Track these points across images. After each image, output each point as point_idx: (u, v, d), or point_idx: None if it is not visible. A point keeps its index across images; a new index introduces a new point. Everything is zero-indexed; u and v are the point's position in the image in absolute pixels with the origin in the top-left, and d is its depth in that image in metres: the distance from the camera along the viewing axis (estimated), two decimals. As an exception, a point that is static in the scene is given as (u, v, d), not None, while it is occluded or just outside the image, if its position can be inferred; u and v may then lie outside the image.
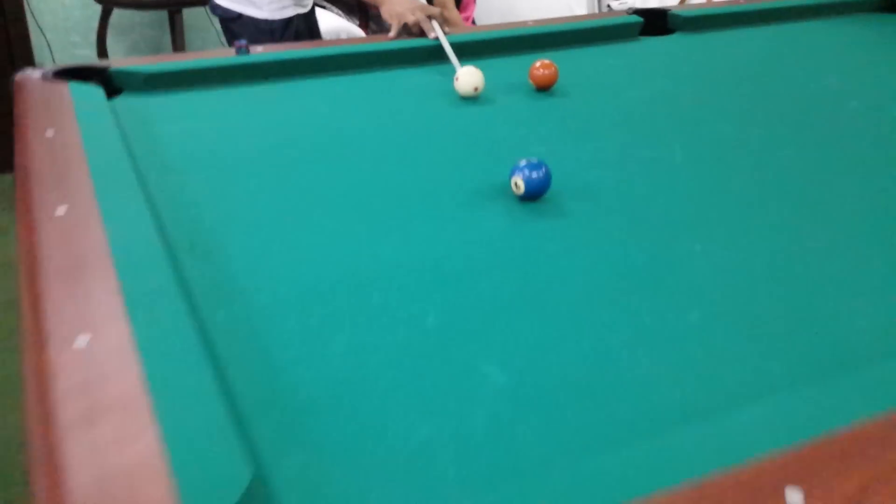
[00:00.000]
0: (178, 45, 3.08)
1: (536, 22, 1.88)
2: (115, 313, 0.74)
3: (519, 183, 1.02)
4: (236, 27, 2.24)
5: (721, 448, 0.58)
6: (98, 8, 2.93)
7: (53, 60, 3.04)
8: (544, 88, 1.50)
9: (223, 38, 2.71)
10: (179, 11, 2.73)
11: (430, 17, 1.75)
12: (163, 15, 3.10)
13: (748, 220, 1.02)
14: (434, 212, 1.03)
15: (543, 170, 1.02)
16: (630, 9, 1.98)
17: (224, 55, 1.62)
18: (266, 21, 2.21)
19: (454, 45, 1.64)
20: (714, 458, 0.56)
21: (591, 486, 0.55)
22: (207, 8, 2.39)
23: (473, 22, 3.16)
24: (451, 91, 1.48)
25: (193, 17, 2.98)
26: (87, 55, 3.04)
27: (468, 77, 1.44)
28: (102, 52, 2.88)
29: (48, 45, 2.98)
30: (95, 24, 2.98)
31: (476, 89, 1.44)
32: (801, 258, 0.92)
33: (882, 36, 1.99)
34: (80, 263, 0.82)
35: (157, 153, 1.19)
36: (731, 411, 0.63)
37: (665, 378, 0.70)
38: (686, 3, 3.02)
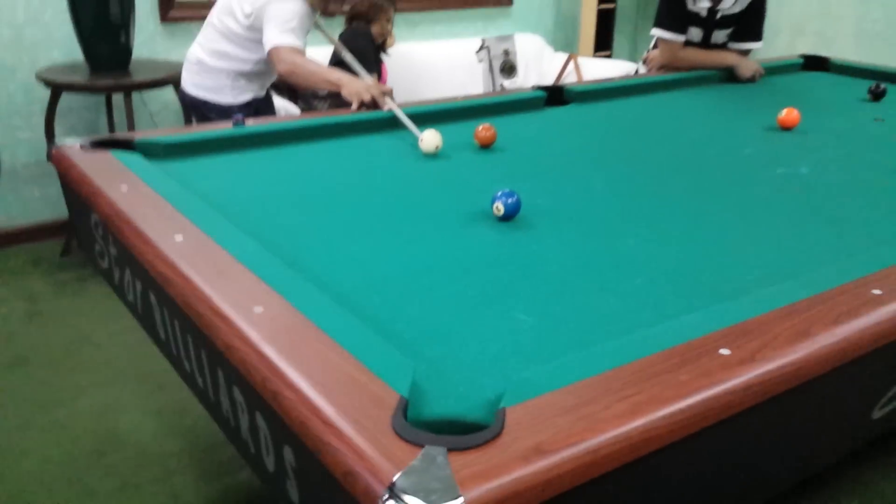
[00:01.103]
0: (113, 126, 3.34)
1: (465, 97, 2.34)
2: (268, 292, 1.08)
3: (500, 207, 1.43)
4: (204, 110, 2.58)
5: (676, 336, 0.99)
6: (40, 94, 3.16)
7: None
8: (486, 146, 1.93)
9: (152, 119, 3.02)
10: (129, 95, 3.01)
11: (383, 94, 2.16)
12: (99, 99, 3.36)
13: (655, 223, 1.47)
14: (441, 230, 1.43)
15: (516, 197, 1.44)
16: (534, 86, 2.47)
17: (222, 128, 1.96)
18: (229, 105, 2.57)
19: (407, 117, 2.06)
20: (670, 341, 0.97)
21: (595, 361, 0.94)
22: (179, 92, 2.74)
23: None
24: (414, 150, 1.89)
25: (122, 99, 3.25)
26: (29, 137, 3.24)
27: (431, 138, 1.85)
28: (50, 134, 3.10)
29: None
30: (36, 107, 3.20)
31: (437, 147, 1.86)
32: (691, 243, 1.37)
33: (724, 100, 2.58)
34: (221, 269, 1.15)
35: (206, 200, 1.51)
36: (673, 320, 1.04)
37: (625, 311, 1.12)
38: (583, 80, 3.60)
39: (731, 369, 0.91)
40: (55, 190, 3.39)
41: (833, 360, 1.00)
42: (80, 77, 3.02)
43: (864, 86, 2.63)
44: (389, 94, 2.17)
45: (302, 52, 2.44)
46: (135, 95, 3.20)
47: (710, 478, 1.00)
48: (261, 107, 2.70)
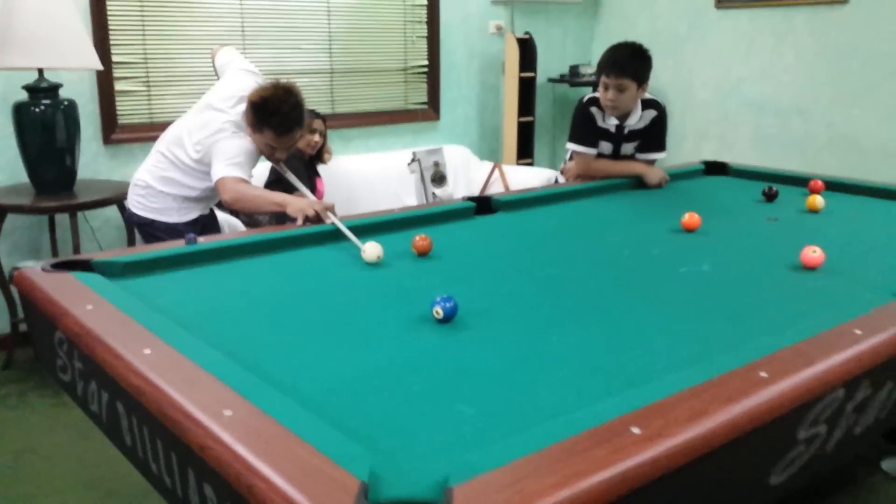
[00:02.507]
0: (56, 243, 3.42)
1: (401, 209, 2.53)
2: (235, 397, 1.20)
3: (439, 311, 1.60)
4: (150, 229, 2.72)
5: (595, 418, 1.15)
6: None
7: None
8: (423, 254, 2.11)
9: (94, 235, 3.12)
10: (74, 215, 3.11)
11: (325, 209, 2.34)
12: (43, 218, 3.45)
13: (576, 320, 1.65)
14: (387, 334, 1.58)
15: (453, 301, 1.61)
16: (464, 196, 2.69)
17: (174, 246, 2.09)
18: (176, 224, 2.71)
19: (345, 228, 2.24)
20: (590, 422, 1.13)
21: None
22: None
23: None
24: (357, 260, 2.05)
25: (67, 219, 3.35)
26: (-32, 258, 3.30)
27: (373, 249, 2.02)
28: (-8, 253, 3.18)
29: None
30: (-25, 228, 3.28)
31: (378, 257, 2.03)
32: (607, 337, 1.55)
33: (635, 205, 2.84)
34: (190, 379, 1.27)
35: (167, 314, 1.63)
36: (593, 405, 1.21)
37: (552, 399, 1.28)
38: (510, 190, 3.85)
39: (640, 445, 1.08)
40: (-5, 307, 3.43)
41: (727, 433, 1.17)
42: (26, 199, 3.12)
43: (759, 188, 2.93)
44: (331, 209, 2.35)
45: (247, 182, 2.62)
46: (81, 216, 3.31)
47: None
48: (207, 223, 2.85)
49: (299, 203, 2.39)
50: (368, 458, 1.04)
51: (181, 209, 2.78)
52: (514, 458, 1.04)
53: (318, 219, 2.33)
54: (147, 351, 1.38)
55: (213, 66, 3.10)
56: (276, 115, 2.57)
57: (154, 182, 2.77)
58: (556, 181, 3.44)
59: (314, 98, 4.35)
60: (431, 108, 4.86)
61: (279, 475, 0.99)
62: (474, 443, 1.13)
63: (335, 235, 2.26)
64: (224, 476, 1.05)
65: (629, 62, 2.94)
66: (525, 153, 5.02)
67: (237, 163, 2.59)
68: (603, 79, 2.97)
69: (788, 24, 4.55)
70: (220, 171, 2.57)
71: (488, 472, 1.00)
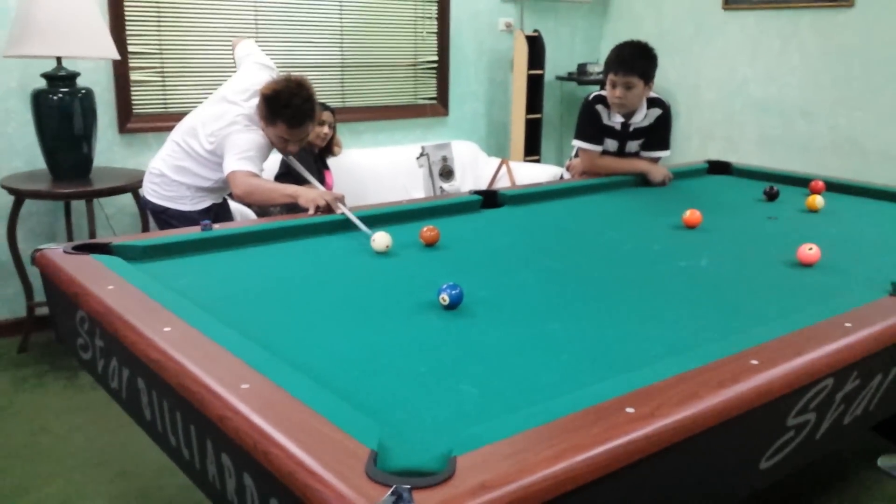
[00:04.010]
0: (71, 229, 3.50)
1: (409, 201, 2.60)
2: (251, 372, 1.27)
3: (445, 297, 1.66)
4: (165, 217, 2.79)
5: (592, 399, 1.22)
6: (1, 200, 3.31)
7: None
8: (431, 245, 2.17)
9: (108, 222, 3.19)
10: (91, 201, 3.19)
11: (336, 199, 2.40)
12: (58, 204, 3.52)
13: (577, 310, 1.72)
14: (395, 317, 1.64)
15: (459, 289, 1.68)
16: (471, 190, 2.76)
17: (190, 232, 2.16)
18: (189, 212, 2.78)
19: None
20: (587, 402, 1.20)
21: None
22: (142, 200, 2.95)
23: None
24: (366, 249, 2.12)
25: (82, 206, 3.42)
26: (-13, 241, 3.38)
27: (382, 238, 2.09)
28: (12, 239, 3.24)
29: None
30: (-3, 212, 3.36)
31: (387, 246, 2.09)
32: (606, 325, 1.62)
33: (638, 202, 2.90)
34: (209, 355, 1.34)
35: (185, 296, 1.70)
36: (590, 387, 1.27)
37: (552, 381, 1.34)
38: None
39: (634, 423, 1.14)
40: (12, 290, 3.52)
41: (717, 416, 1.23)
42: (43, 185, 3.20)
43: (761, 187, 2.99)
44: (342, 199, 2.41)
45: (258, 176, 2.69)
46: (96, 203, 3.38)
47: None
48: (219, 211, 2.92)
49: (310, 194, 2.46)
50: (377, 429, 1.11)
51: (194, 198, 2.85)
52: (515, 432, 1.10)
53: (328, 209, 2.40)
54: (167, 329, 1.44)
55: (234, 57, 3.18)
56: (289, 107, 2.64)
57: (168, 171, 2.84)
58: (562, 177, 3.50)
59: (325, 91, 4.42)
60: (440, 104, 4.92)
61: (294, 443, 1.05)
62: (477, 418, 1.20)
63: (345, 225, 2.32)
64: (241, 445, 1.12)
65: (637, 60, 3.00)
66: (532, 150, 5.08)
67: (248, 156, 2.65)
68: (611, 77, 3.03)
69: (794, 27, 4.60)
70: (231, 164, 2.64)
71: (490, 444, 1.07)
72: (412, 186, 4.23)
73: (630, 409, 1.18)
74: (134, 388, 1.53)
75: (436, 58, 4.88)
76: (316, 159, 3.80)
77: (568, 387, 1.32)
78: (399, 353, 1.46)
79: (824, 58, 4.50)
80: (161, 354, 1.36)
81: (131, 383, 1.54)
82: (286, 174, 3.69)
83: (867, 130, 4.37)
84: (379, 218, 2.39)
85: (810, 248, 2.04)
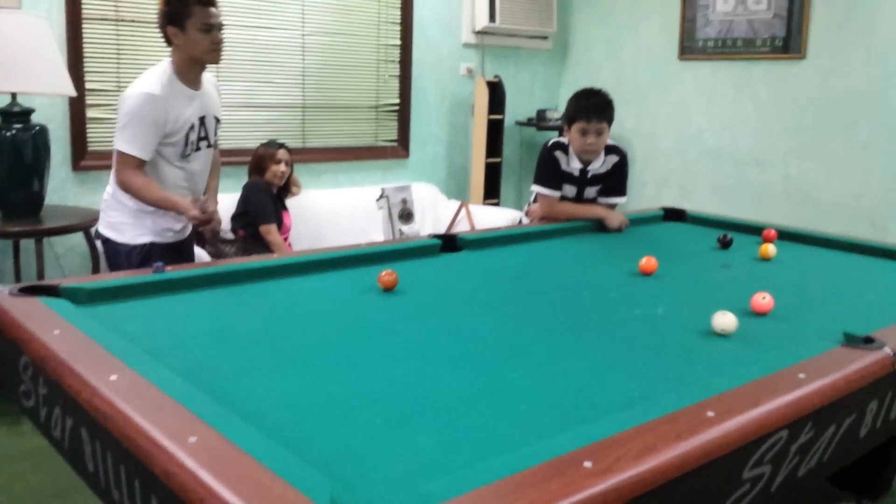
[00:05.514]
0: (19, 269, 3.41)
1: (368, 244, 2.58)
2: (200, 424, 1.23)
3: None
4: (109, 249, 2.69)
5: (550, 452, 1.20)
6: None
7: None
8: (389, 289, 2.15)
9: (58, 262, 3.12)
10: (40, 241, 3.11)
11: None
12: (6, 242, 3.43)
13: (536, 358, 1.71)
14: (350, 365, 1.61)
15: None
16: (430, 234, 2.75)
17: (141, 274, 2.11)
18: (128, 245, 2.68)
19: (310, 263, 2.28)
20: (545, 456, 1.18)
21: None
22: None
23: (290, 246, 3.82)
24: (323, 292, 2.09)
25: (32, 245, 3.34)
26: (-72, 280, 3.27)
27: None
28: (-46, 276, 3.15)
29: None
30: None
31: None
32: (565, 374, 1.61)
33: (595, 248, 2.93)
34: (156, 406, 1.29)
35: (134, 341, 1.65)
36: (549, 440, 1.26)
37: (510, 433, 1.32)
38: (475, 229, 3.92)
39: (591, 478, 1.13)
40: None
41: (675, 470, 1.22)
42: (-8, 223, 3.12)
43: (715, 235, 3.03)
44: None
45: (137, 162, 2.57)
46: (46, 242, 3.30)
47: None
48: (182, 249, 2.82)
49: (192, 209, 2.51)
50: (329, 485, 1.08)
51: (135, 225, 2.70)
52: (472, 488, 1.08)
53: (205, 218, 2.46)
54: (113, 377, 1.40)
55: None
56: None
57: (110, 187, 2.73)
58: (521, 222, 3.51)
59: (286, 132, 4.41)
60: (401, 146, 4.94)
61: (242, 501, 1.02)
62: (433, 473, 1.17)
63: (295, 270, 2.29)
64: (188, 502, 1.07)
65: (605, 106, 3.08)
66: (492, 193, 5.12)
67: (125, 128, 2.55)
68: (581, 125, 3.06)
69: (748, 77, 4.74)
70: (116, 140, 2.57)
71: (445, 502, 1.04)
72: (371, 228, 4.22)
73: (588, 464, 1.16)
74: (77, 439, 1.47)
75: (397, 101, 4.91)
76: (275, 200, 3.77)
77: (526, 438, 1.30)
78: (355, 403, 1.43)
79: (777, 108, 4.63)
80: (106, 404, 1.31)
81: (74, 433, 1.48)
82: (244, 214, 3.65)
83: (818, 180, 4.49)
84: (337, 261, 2.37)
85: (763, 297, 2.06)
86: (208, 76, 2.79)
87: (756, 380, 1.54)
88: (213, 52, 2.64)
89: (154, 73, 2.63)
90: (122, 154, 2.57)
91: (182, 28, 2.57)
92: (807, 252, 2.96)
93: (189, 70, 2.65)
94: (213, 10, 2.60)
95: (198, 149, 2.74)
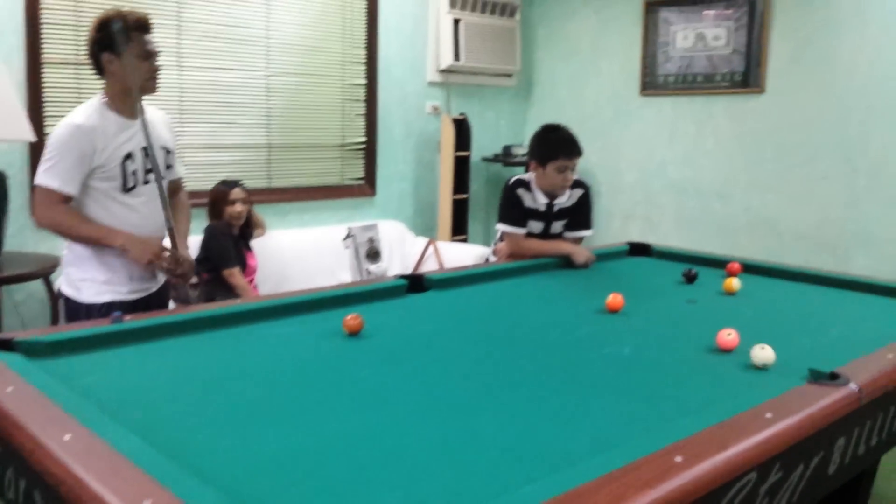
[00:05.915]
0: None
1: (332, 287, 2.55)
2: (156, 487, 1.19)
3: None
4: (66, 306, 2.58)
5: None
6: None
7: None
8: (354, 333, 2.13)
9: (16, 309, 3.04)
10: (-2, 288, 3.04)
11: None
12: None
13: (504, 402, 1.69)
14: (313, 417, 1.58)
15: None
16: (396, 274, 2.74)
17: (99, 325, 2.06)
18: (87, 303, 2.54)
19: (273, 308, 2.25)
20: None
21: None
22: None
23: (256, 287, 3.78)
24: (285, 340, 2.05)
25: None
26: None
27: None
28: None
29: None
30: None
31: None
32: (532, 419, 1.59)
33: (562, 285, 2.93)
34: (110, 467, 1.25)
35: (90, 397, 1.61)
36: (516, 491, 1.23)
37: (476, 485, 1.30)
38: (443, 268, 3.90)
39: (560, 532, 1.11)
40: None
41: (644, 519, 1.21)
42: (-53, 270, 3.04)
43: (680, 269, 3.05)
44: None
45: (60, 197, 2.42)
46: (6, 291, 3.23)
47: None
48: (150, 306, 2.64)
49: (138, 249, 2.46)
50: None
51: (94, 282, 2.55)
52: (436, 547, 1.05)
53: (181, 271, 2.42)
54: (67, 437, 1.35)
55: None
56: (123, 18, 2.44)
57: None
58: (488, 261, 3.51)
59: (251, 172, 4.38)
60: (368, 184, 4.93)
61: (199, 569, 0.98)
62: (397, 531, 1.15)
63: (261, 315, 2.26)
64: (142, 570, 1.03)
65: (577, 141, 3.16)
66: (459, 230, 5.12)
67: (48, 161, 2.41)
68: (562, 162, 3.10)
69: (708, 112, 4.82)
70: (36, 177, 2.43)
71: (409, 562, 1.01)
72: (339, 268, 4.19)
73: (555, 517, 1.14)
74: (31, 501, 1.42)
75: (364, 139, 4.92)
76: (237, 241, 3.73)
77: (494, 490, 1.27)
78: (317, 458, 1.40)
79: (737, 141, 4.71)
80: (58, 467, 1.26)
81: (28, 496, 1.43)
82: (206, 259, 3.61)
83: (780, 211, 4.56)
84: (300, 305, 2.34)
85: (729, 334, 2.07)
86: (154, 109, 2.68)
87: (723, 421, 1.53)
88: (151, 81, 2.53)
89: (83, 105, 2.53)
90: (41, 189, 2.41)
91: (118, 55, 2.46)
92: (770, 284, 2.98)
93: (123, 100, 2.52)
94: (148, 37, 2.50)
95: (146, 182, 2.55)
